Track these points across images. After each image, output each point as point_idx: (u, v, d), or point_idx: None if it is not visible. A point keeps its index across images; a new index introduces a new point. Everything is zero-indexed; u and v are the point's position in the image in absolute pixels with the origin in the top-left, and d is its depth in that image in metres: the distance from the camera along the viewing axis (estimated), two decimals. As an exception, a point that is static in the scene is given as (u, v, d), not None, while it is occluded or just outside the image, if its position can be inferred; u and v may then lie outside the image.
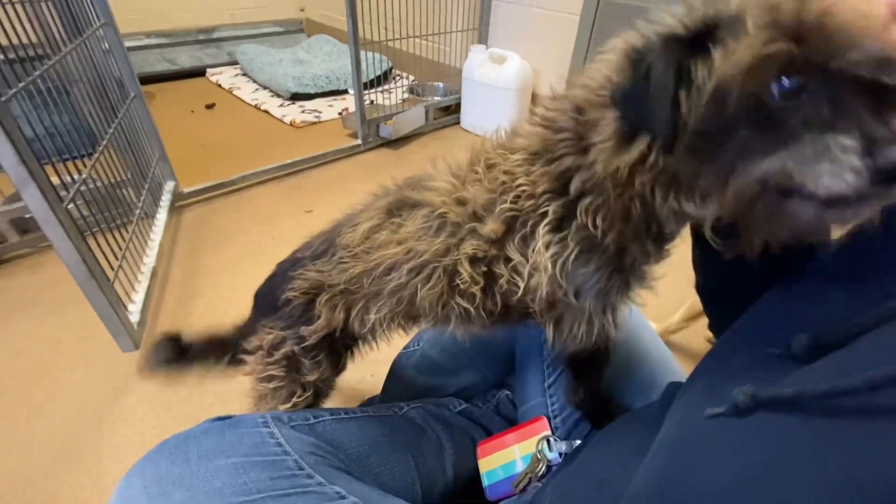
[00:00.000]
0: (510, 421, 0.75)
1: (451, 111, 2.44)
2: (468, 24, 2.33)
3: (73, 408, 1.02)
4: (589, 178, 0.41)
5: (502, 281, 0.47)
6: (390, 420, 0.65)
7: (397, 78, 2.80)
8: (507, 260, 0.46)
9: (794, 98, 0.29)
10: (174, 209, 1.65)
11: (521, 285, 0.46)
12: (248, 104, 2.60)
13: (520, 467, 0.62)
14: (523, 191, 0.44)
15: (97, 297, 1.00)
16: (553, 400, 0.67)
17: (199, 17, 3.04)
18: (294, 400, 0.64)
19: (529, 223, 0.44)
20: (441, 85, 2.51)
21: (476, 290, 0.48)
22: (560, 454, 0.60)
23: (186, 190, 1.70)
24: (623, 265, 0.44)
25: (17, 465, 0.91)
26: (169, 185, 1.66)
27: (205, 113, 2.52)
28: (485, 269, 0.47)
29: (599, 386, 0.61)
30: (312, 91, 2.63)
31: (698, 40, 0.32)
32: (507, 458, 0.65)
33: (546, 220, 0.43)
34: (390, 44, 2.13)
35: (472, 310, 0.50)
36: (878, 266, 0.32)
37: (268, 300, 0.64)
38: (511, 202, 0.44)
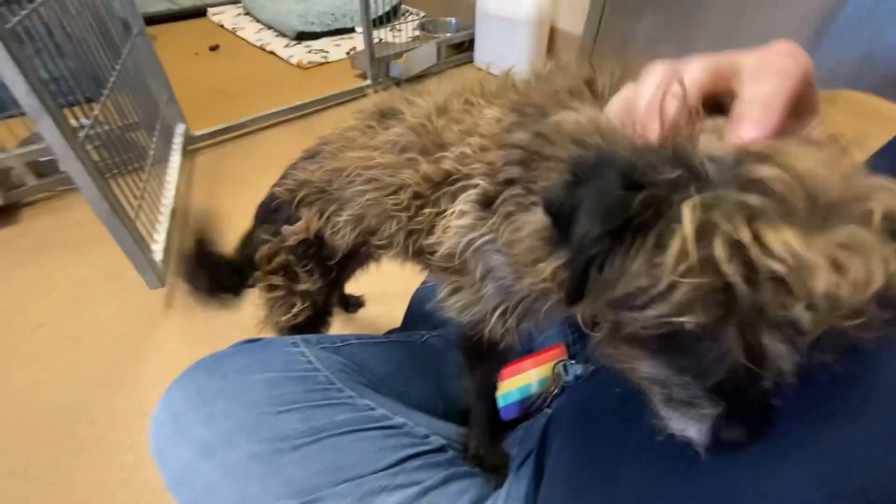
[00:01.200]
0: (528, 350, 0.78)
1: (464, 48, 2.32)
2: (482, -49, 2.17)
3: (108, 340, 1.08)
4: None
5: (425, 221, 0.45)
6: (413, 346, 0.67)
7: (407, 14, 2.66)
8: (437, 205, 0.44)
9: (697, 332, 0.23)
10: (187, 153, 1.65)
11: (436, 235, 0.43)
12: (253, 45, 2.51)
13: (535, 390, 0.65)
14: (471, 152, 0.40)
15: (122, 234, 1.02)
16: (571, 329, 0.69)
17: (196, -50, 2.88)
18: (294, 311, 0.67)
19: (459, 184, 0.40)
20: (453, 20, 2.38)
21: (405, 218, 0.47)
22: (575, 377, 0.62)
23: (197, 133, 1.69)
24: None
25: (61, 391, 0.98)
26: (180, 128, 1.64)
27: (209, 55, 2.44)
28: (419, 203, 0.45)
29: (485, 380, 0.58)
30: (318, 30, 2.52)
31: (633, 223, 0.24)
32: (523, 381, 0.67)
33: (473, 191, 0.39)
34: (399, -25, 2.00)
35: (401, 238, 0.49)
36: None
37: (266, 207, 0.66)
38: (456, 158, 0.41)
